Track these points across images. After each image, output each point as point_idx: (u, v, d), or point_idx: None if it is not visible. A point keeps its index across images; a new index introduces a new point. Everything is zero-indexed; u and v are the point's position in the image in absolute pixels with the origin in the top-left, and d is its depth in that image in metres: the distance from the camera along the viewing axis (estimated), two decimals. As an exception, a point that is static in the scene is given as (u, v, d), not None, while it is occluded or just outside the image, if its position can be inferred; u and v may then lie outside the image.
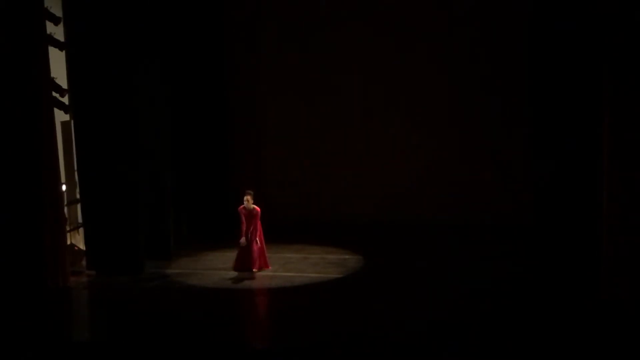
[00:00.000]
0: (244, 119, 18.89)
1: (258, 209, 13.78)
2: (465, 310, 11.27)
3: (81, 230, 14.69)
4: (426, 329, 10.52)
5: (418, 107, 17.87)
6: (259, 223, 13.79)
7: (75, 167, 14.47)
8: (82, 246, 14.57)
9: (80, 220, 14.72)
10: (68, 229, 14.42)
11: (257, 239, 13.74)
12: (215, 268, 14.20)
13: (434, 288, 12.57)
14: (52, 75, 13.35)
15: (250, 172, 18.72)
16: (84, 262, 14.35)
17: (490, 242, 15.67)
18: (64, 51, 13.93)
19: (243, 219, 13.71)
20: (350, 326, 10.75)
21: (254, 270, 13.70)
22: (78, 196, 14.60)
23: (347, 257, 14.88)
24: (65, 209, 14.29)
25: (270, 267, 13.96)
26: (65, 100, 13.99)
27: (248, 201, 13.71)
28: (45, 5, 13.27)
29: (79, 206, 14.69)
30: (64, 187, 14.43)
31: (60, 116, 14.02)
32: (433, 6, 17.58)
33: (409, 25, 17.73)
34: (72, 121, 14.25)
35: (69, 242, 14.23)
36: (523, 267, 13.63)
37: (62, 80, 13.99)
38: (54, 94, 13.60)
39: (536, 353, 9.51)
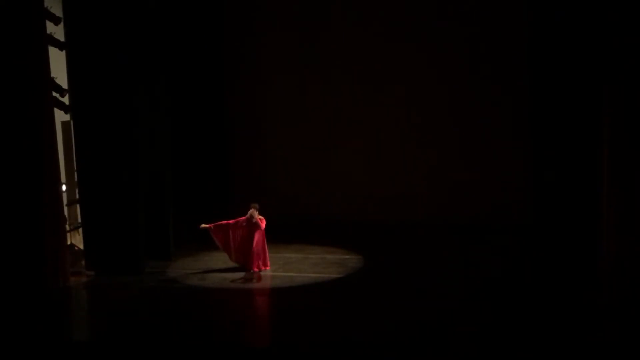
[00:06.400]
0: (244, 118, 18.89)
1: (264, 221, 13.80)
2: (465, 310, 11.28)
3: (81, 230, 14.67)
4: (426, 329, 10.53)
5: (418, 108, 17.86)
6: (263, 233, 13.83)
7: (75, 167, 14.46)
8: (82, 246, 14.56)
9: (80, 220, 14.71)
10: (68, 229, 14.42)
11: (259, 242, 13.79)
12: (215, 268, 14.20)
13: (434, 288, 12.58)
14: (52, 75, 13.36)
15: (250, 172, 18.74)
16: (83, 262, 14.34)
17: (490, 242, 15.67)
18: (64, 51, 13.93)
19: (232, 222, 13.79)
20: (350, 326, 10.76)
21: (254, 270, 13.75)
22: (78, 196, 14.60)
23: (347, 257, 14.89)
24: (65, 209, 14.29)
25: (268, 268, 14.02)
26: (65, 100, 14.00)
27: (252, 216, 13.69)
28: (45, 5, 13.28)
29: (79, 206, 14.68)
30: (64, 187, 14.43)
31: (60, 116, 14.02)
32: (435, 8, 17.57)
33: (411, 26, 17.72)
34: (72, 121, 14.25)
35: (69, 242, 14.24)
36: (523, 267, 13.64)
37: (62, 80, 13.99)
38: (54, 94, 13.61)
39: (536, 353, 9.52)
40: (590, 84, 13.21)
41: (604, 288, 11.35)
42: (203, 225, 13.96)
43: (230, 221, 13.94)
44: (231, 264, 14.07)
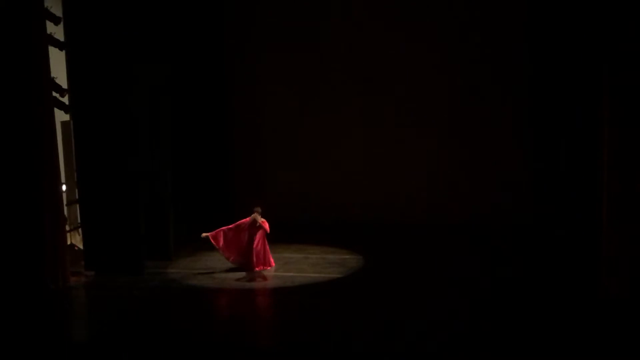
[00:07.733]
0: (244, 118, 18.89)
1: (266, 223, 13.82)
2: (465, 310, 11.28)
3: (81, 230, 14.67)
4: (426, 329, 10.53)
5: (418, 108, 17.84)
6: (263, 234, 13.91)
7: (75, 167, 14.46)
8: (82, 246, 14.56)
9: (80, 220, 14.70)
10: (68, 229, 14.42)
11: (260, 243, 13.86)
12: (215, 268, 14.21)
13: (434, 288, 12.58)
14: (52, 75, 13.36)
15: (250, 172, 18.74)
16: (83, 262, 14.33)
17: (490, 242, 15.67)
18: (64, 51, 13.93)
19: (232, 227, 13.83)
20: (349, 326, 10.76)
21: (255, 270, 13.78)
22: (78, 196, 14.58)
23: (347, 257, 14.89)
24: (65, 209, 14.29)
25: (271, 266, 14.07)
26: (65, 100, 14.00)
27: (255, 219, 13.73)
28: (45, 5, 13.28)
29: (79, 206, 14.67)
30: (64, 187, 14.42)
31: (60, 116, 14.02)
32: (435, 10, 17.56)
33: (411, 28, 17.70)
34: (72, 121, 14.25)
35: (69, 242, 14.23)
36: (522, 267, 13.65)
37: (62, 80, 13.99)
38: (54, 94, 13.61)
39: (535, 353, 9.52)
40: (590, 84, 13.20)
41: (604, 288, 11.35)
42: (204, 234, 13.99)
43: (231, 225, 13.96)
44: (231, 264, 14.08)
